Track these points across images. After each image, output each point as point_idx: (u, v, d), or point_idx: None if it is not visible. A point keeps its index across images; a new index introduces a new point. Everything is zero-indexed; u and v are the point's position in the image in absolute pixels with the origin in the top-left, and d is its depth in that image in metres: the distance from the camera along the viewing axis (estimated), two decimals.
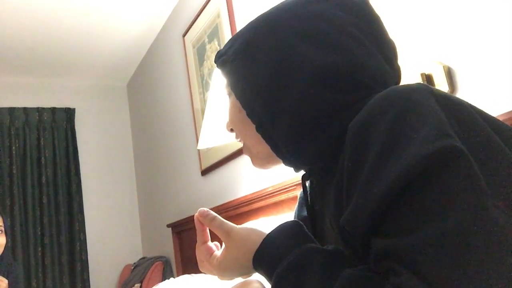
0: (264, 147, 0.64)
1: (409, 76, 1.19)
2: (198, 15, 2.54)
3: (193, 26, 2.62)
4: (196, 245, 0.70)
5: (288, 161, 0.64)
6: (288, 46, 0.60)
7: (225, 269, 0.64)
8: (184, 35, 2.75)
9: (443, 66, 1.13)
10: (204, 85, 2.52)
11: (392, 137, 0.45)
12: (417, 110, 0.45)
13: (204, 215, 0.67)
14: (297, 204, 0.81)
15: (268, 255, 0.58)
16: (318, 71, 0.58)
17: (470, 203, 0.40)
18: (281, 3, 0.66)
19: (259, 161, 0.69)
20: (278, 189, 1.70)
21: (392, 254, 0.42)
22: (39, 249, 3.35)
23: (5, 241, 2.17)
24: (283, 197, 1.69)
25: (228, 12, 2.19)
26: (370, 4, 0.65)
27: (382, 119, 0.47)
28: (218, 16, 2.30)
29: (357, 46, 0.59)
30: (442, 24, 1.16)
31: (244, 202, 1.98)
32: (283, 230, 0.60)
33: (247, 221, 1.94)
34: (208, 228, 0.70)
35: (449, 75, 1.13)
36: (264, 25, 0.63)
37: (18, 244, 3.25)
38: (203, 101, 2.52)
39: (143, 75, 3.69)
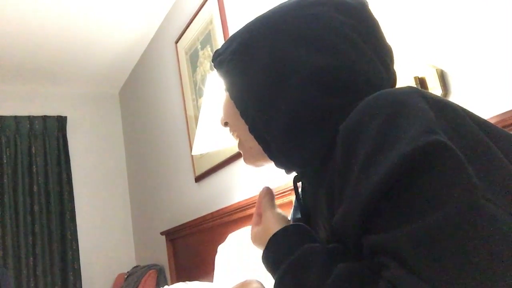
0: (256, 144, 0.65)
1: (402, 79, 1.19)
2: (190, 22, 2.54)
3: (185, 33, 2.63)
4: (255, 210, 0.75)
5: (279, 163, 0.65)
6: (283, 48, 0.60)
7: (254, 240, 0.70)
8: (176, 42, 2.75)
9: (436, 69, 1.14)
10: (197, 92, 2.52)
11: (381, 139, 0.46)
12: (407, 112, 0.46)
13: (264, 190, 0.71)
14: (292, 207, 0.81)
15: (271, 257, 0.60)
16: (312, 74, 0.58)
17: (458, 196, 0.40)
18: (280, 5, 0.66)
19: (251, 157, 0.70)
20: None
21: (382, 249, 0.42)
22: (31, 258, 3.30)
23: None
24: (278, 202, 1.69)
25: (221, 18, 2.20)
26: (369, 8, 0.65)
27: (372, 121, 0.48)
28: (211, 22, 2.30)
29: (353, 49, 0.60)
30: (435, 27, 1.17)
31: (239, 208, 1.97)
32: (286, 232, 0.61)
33: (242, 228, 1.93)
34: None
35: (442, 78, 1.14)
36: (261, 27, 0.64)
37: (9, 253, 3.21)
38: (196, 108, 2.52)
39: (135, 82, 3.68)
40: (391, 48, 0.66)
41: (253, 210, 1.87)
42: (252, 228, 0.71)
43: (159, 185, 3.23)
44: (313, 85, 0.58)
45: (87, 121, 3.88)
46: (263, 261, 0.62)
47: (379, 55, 0.62)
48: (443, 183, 0.41)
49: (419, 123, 0.44)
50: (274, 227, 0.63)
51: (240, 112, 0.64)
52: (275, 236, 0.61)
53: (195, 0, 2.52)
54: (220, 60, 0.67)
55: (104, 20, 2.94)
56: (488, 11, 1.05)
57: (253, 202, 1.83)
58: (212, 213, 2.24)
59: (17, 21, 2.77)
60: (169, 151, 3.02)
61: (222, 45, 0.69)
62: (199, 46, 2.46)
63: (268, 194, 0.71)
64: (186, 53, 2.64)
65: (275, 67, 0.60)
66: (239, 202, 1.97)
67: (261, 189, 0.72)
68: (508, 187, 0.42)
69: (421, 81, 1.16)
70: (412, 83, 1.17)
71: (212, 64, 0.70)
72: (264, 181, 1.86)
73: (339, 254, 0.52)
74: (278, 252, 0.59)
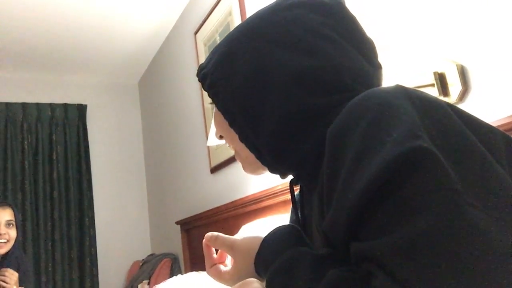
0: (251, 153, 0.65)
1: (422, 74, 1.17)
2: (210, 13, 2.54)
3: (205, 24, 2.63)
4: (206, 269, 0.73)
5: (273, 168, 0.65)
6: (264, 54, 0.60)
7: (238, 281, 0.66)
8: (195, 33, 2.76)
9: (457, 65, 1.12)
10: None
11: (366, 142, 0.45)
12: (391, 114, 0.46)
13: (207, 237, 0.70)
14: (291, 210, 0.81)
15: (263, 258, 0.60)
16: (296, 76, 0.58)
17: (441, 203, 0.39)
18: (256, 12, 0.67)
19: (249, 166, 0.70)
20: (287, 187, 1.69)
21: (368, 257, 0.42)
22: (49, 243, 3.38)
23: (15, 234, 2.19)
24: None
25: (240, 10, 2.19)
26: (345, 5, 0.65)
27: (357, 124, 0.47)
28: (230, 14, 2.30)
29: (334, 48, 0.59)
30: (456, 22, 1.14)
31: (253, 200, 1.97)
32: (277, 233, 0.61)
33: (255, 220, 1.94)
34: (214, 251, 0.73)
35: (462, 74, 1.12)
36: (240, 35, 0.64)
37: (29, 238, 3.28)
38: None
39: (154, 72, 3.71)
40: (373, 42, 0.65)
41: (267, 203, 1.87)
42: (222, 276, 0.68)
43: (175, 175, 3.25)
44: (297, 86, 0.58)
45: (107, 110, 3.93)
46: (255, 265, 0.61)
47: (361, 50, 0.62)
48: (425, 190, 0.40)
49: (403, 127, 0.43)
50: (257, 245, 0.62)
51: (229, 122, 0.64)
52: (265, 240, 0.61)
53: None
54: (204, 73, 0.67)
55: (125, 11, 2.96)
56: (510, 5, 1.03)
57: (267, 194, 1.83)
58: (226, 205, 2.25)
59: (39, 10, 2.81)
60: (186, 141, 3.04)
61: (206, 59, 0.69)
62: (218, 38, 2.46)
63: (215, 235, 0.68)
64: (205, 45, 2.64)
65: (256, 73, 0.60)
66: (254, 194, 1.97)
67: (205, 241, 0.70)
68: (494, 188, 0.41)
69: (441, 77, 1.14)
70: (432, 79, 1.15)
71: (197, 78, 0.69)
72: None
73: (328, 258, 0.52)
74: (268, 254, 0.59)
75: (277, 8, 0.63)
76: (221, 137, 0.71)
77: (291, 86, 0.58)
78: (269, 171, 0.66)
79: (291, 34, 0.60)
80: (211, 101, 0.68)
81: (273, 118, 0.59)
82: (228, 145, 0.72)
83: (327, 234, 0.49)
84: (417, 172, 0.41)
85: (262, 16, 0.64)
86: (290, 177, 0.70)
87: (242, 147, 0.65)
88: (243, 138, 0.63)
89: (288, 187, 1.69)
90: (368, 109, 0.47)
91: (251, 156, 0.65)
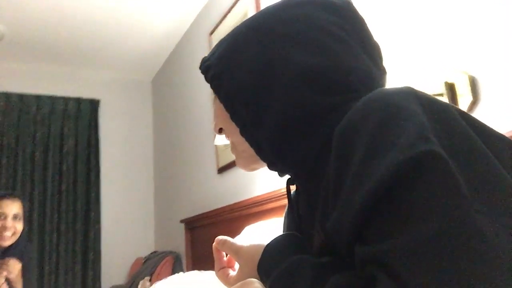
0: (248, 147, 0.64)
1: (432, 84, 1.17)
2: (226, 14, 2.56)
3: (220, 25, 2.65)
4: (215, 271, 0.74)
5: (272, 165, 0.64)
6: (271, 49, 0.60)
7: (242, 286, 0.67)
8: (211, 34, 2.78)
9: (468, 76, 1.12)
10: None
11: (374, 144, 0.45)
12: (400, 115, 0.45)
13: (217, 241, 0.71)
14: (286, 208, 0.80)
15: (264, 268, 0.60)
16: (302, 73, 0.57)
17: (448, 208, 0.39)
18: (266, 7, 0.66)
19: (244, 161, 0.69)
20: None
21: (373, 260, 0.41)
22: (55, 235, 3.41)
23: (21, 228, 2.19)
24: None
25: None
26: (353, 6, 0.65)
27: (365, 124, 0.46)
28: (246, 16, 2.31)
29: (342, 47, 0.59)
30: (468, 33, 1.14)
31: (258, 202, 1.98)
32: (277, 243, 0.61)
33: (260, 221, 1.94)
34: (224, 255, 0.73)
35: (473, 85, 1.12)
36: (247, 30, 0.64)
37: (35, 229, 3.32)
38: None
39: (168, 71, 3.74)
40: (378, 45, 0.65)
41: (271, 205, 1.88)
42: (228, 280, 0.69)
43: (183, 174, 3.27)
44: (303, 84, 0.57)
45: (119, 106, 3.97)
46: (259, 274, 0.62)
47: (368, 52, 0.61)
48: (433, 195, 0.40)
49: (412, 129, 0.43)
50: (257, 253, 0.63)
51: (230, 115, 0.64)
52: (268, 246, 0.61)
53: None
54: (207, 65, 0.66)
55: (143, 8, 2.99)
56: None
57: (272, 197, 1.84)
58: (231, 205, 2.25)
59: (56, 2, 2.85)
60: (195, 141, 3.06)
61: (209, 52, 0.69)
62: None
63: (224, 239, 0.69)
64: None
65: (262, 67, 0.60)
66: (259, 196, 1.97)
67: (215, 244, 0.71)
68: (500, 193, 0.41)
69: (451, 87, 1.14)
70: (442, 88, 1.15)
71: (200, 70, 0.69)
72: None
73: (329, 265, 0.51)
74: (270, 262, 0.59)
75: (286, 5, 0.63)
76: (220, 131, 0.70)
77: (297, 82, 0.57)
78: (268, 167, 0.65)
79: (299, 31, 0.60)
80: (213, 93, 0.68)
81: (276, 113, 0.58)
82: (227, 139, 0.71)
83: (331, 235, 0.48)
84: (426, 177, 0.40)
85: (271, 13, 0.64)
86: (281, 177, 0.69)
87: (241, 140, 0.65)
88: (244, 131, 0.63)
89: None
90: (377, 110, 0.47)
91: (248, 150, 0.64)
